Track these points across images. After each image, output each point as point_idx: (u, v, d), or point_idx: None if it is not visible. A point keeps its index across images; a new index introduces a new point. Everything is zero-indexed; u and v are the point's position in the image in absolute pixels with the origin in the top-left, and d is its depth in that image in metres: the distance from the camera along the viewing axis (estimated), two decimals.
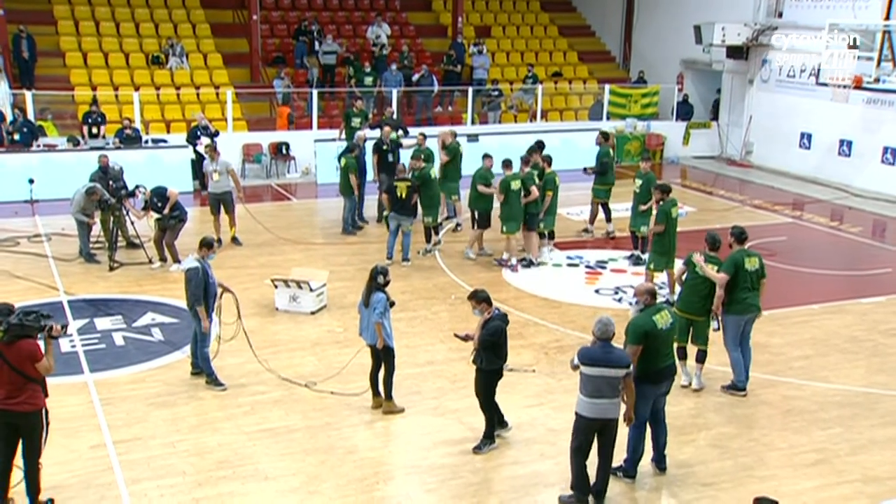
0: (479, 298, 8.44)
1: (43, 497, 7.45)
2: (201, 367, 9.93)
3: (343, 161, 16.01)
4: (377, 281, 9.08)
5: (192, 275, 9.56)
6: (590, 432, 7.50)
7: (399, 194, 14.18)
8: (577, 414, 7.55)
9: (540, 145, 15.34)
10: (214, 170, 15.01)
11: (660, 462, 8.32)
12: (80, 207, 13.88)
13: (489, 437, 8.63)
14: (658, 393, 8.10)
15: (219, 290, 9.92)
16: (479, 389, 8.54)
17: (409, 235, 14.48)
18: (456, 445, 8.69)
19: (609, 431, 7.55)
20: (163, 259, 13.96)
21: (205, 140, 18.56)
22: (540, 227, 14.51)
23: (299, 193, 20.06)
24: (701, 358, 10.00)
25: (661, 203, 12.41)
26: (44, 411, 7.28)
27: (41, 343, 7.18)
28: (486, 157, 14.83)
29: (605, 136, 16.63)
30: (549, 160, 14.73)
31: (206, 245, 9.81)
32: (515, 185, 13.89)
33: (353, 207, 16.34)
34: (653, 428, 8.25)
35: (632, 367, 7.51)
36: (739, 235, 9.87)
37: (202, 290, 9.59)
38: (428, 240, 15.19)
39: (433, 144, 17.03)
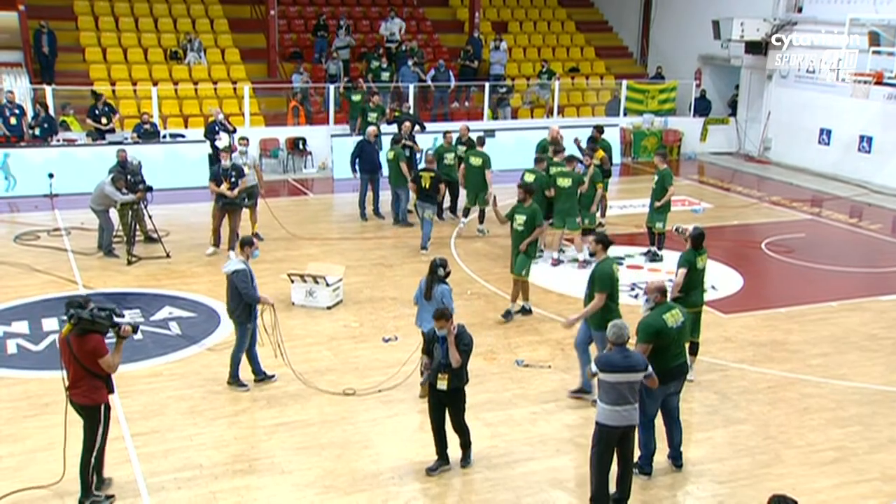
0: (448, 316, 7.77)
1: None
2: (256, 370, 9.80)
3: (391, 153, 15.99)
4: (438, 273, 9.22)
5: (241, 276, 9.29)
6: (613, 441, 7.36)
7: (424, 184, 14.52)
8: (598, 424, 7.37)
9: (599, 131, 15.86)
10: (245, 163, 14.95)
11: (676, 459, 8.30)
12: (100, 200, 14.00)
13: (444, 458, 8.19)
14: (667, 392, 8.03)
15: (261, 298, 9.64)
16: (461, 408, 8.04)
17: (430, 224, 14.65)
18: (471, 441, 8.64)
19: (630, 439, 7.44)
20: (221, 245, 14.34)
21: (224, 136, 18.64)
22: (585, 223, 14.61)
23: (316, 188, 20.12)
24: (694, 350, 9.96)
25: (523, 203, 11.88)
26: (103, 407, 7.37)
27: (111, 340, 7.31)
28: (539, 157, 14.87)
29: (600, 130, 16.72)
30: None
31: (247, 243, 9.62)
32: (563, 181, 13.88)
33: (407, 199, 16.21)
34: (667, 426, 8.23)
35: (650, 367, 7.45)
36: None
37: (253, 288, 9.38)
38: (463, 217, 16.02)
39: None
